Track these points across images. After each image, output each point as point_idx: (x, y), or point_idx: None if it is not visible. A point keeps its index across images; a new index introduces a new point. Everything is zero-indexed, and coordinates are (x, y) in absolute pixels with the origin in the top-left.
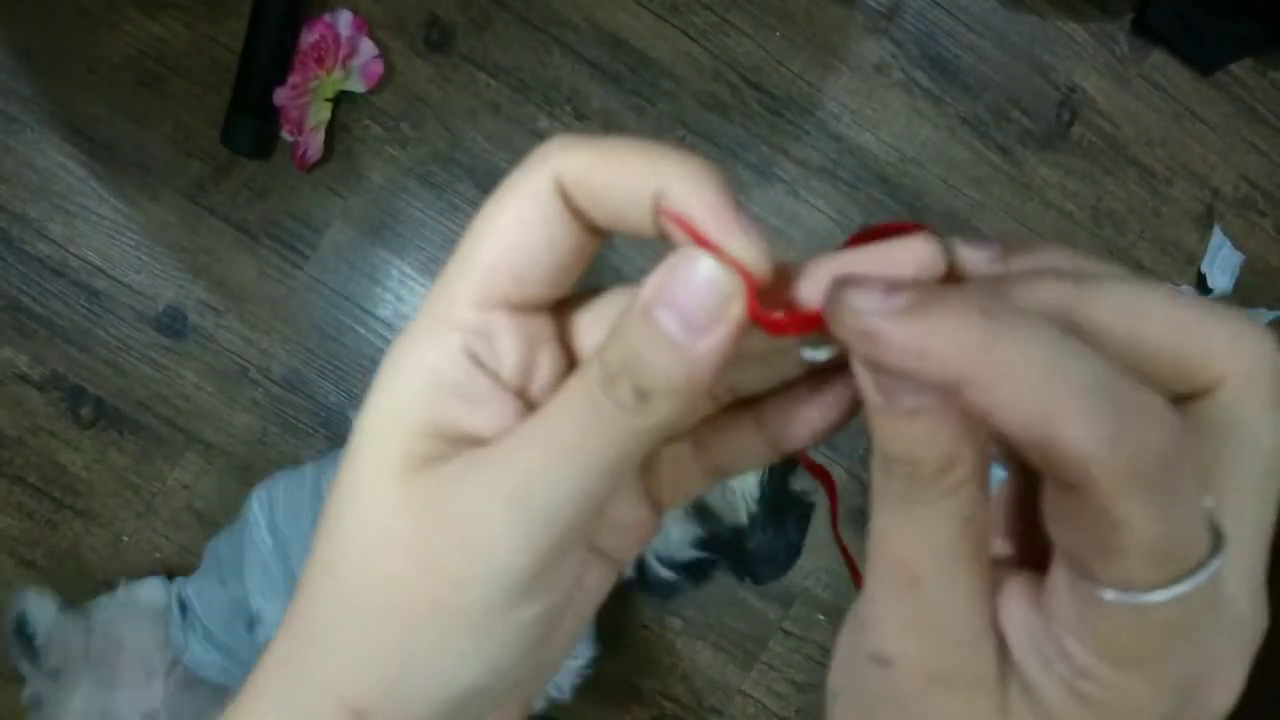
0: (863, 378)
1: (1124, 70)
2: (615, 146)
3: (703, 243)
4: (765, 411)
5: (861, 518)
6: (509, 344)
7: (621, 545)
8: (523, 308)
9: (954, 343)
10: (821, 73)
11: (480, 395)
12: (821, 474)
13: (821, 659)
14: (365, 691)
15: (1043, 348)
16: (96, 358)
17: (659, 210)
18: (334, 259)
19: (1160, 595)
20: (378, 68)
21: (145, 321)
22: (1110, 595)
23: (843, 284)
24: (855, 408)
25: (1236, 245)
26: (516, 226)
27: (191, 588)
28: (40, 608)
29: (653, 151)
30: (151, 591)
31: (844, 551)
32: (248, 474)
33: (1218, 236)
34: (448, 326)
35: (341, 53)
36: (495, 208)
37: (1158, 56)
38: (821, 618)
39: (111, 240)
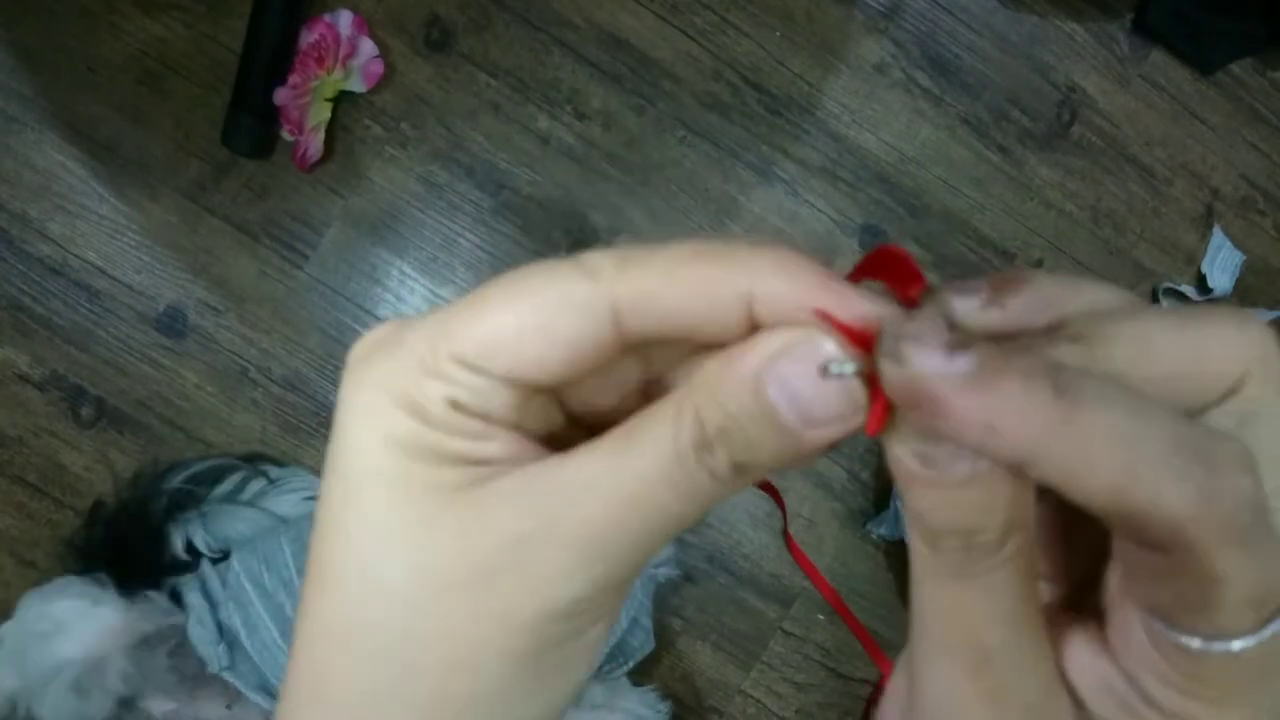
0: (899, 444)
1: (1124, 70)
2: (683, 258)
3: (857, 341)
4: None
5: (860, 517)
6: (497, 401)
7: None
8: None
9: (1028, 418)
10: (821, 73)
11: (475, 433)
12: (772, 492)
13: (821, 659)
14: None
15: (1121, 414)
16: (96, 358)
17: (815, 314)
18: (334, 259)
19: (1254, 639)
20: (378, 68)
21: (145, 321)
22: (1199, 644)
23: (897, 335)
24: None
25: (1236, 245)
26: (536, 334)
27: (239, 620)
28: None
29: (728, 255)
30: (114, 618)
31: (800, 560)
32: None
33: (1218, 236)
34: (430, 373)
35: (341, 53)
36: (519, 295)
37: (1158, 56)
38: (821, 617)
39: (111, 240)
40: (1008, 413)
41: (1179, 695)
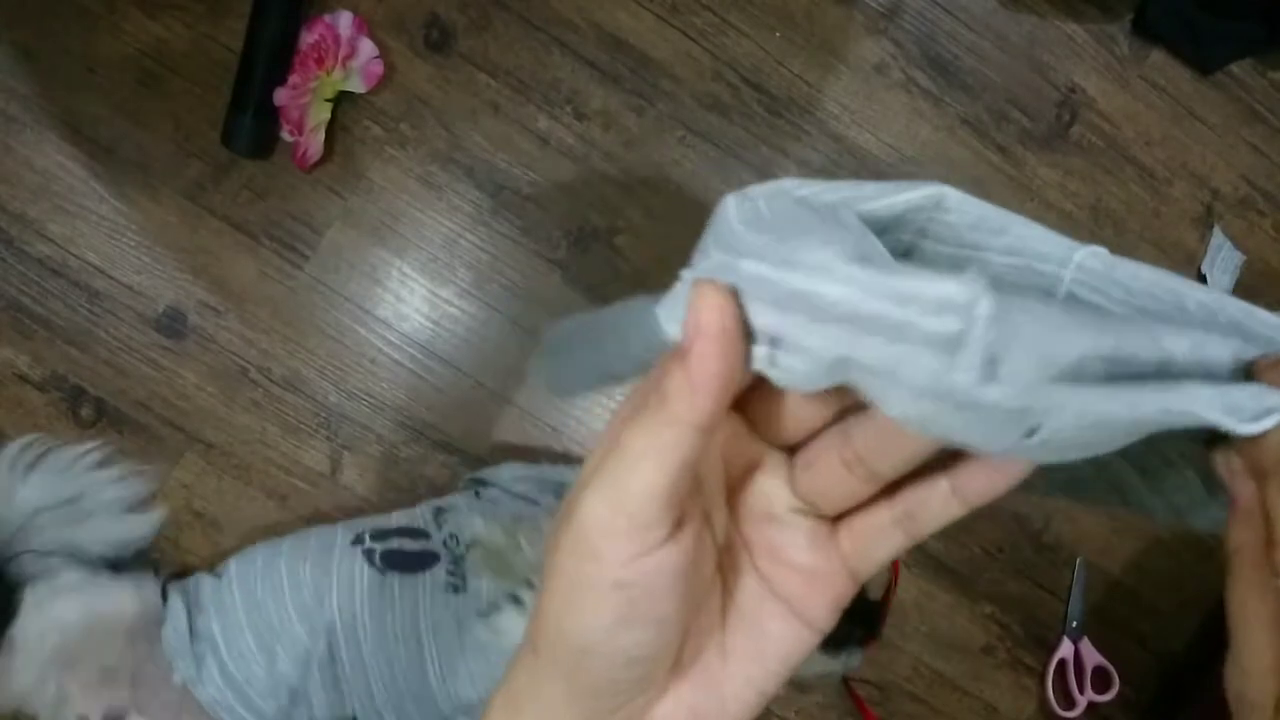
0: None
1: (1124, 70)
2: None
3: None
4: (953, 464)
5: None
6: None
7: (808, 595)
8: None
9: None
10: (821, 73)
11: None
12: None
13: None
14: (538, 634)
15: None
16: (96, 358)
17: None
18: (334, 259)
19: None
20: (378, 68)
21: (145, 321)
22: None
23: None
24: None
25: (1236, 245)
26: (672, 481)
27: (218, 626)
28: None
29: None
30: (116, 600)
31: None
32: (248, 474)
33: (1218, 236)
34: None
35: (341, 53)
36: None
37: (1158, 56)
38: None
39: (111, 240)
40: None
41: None
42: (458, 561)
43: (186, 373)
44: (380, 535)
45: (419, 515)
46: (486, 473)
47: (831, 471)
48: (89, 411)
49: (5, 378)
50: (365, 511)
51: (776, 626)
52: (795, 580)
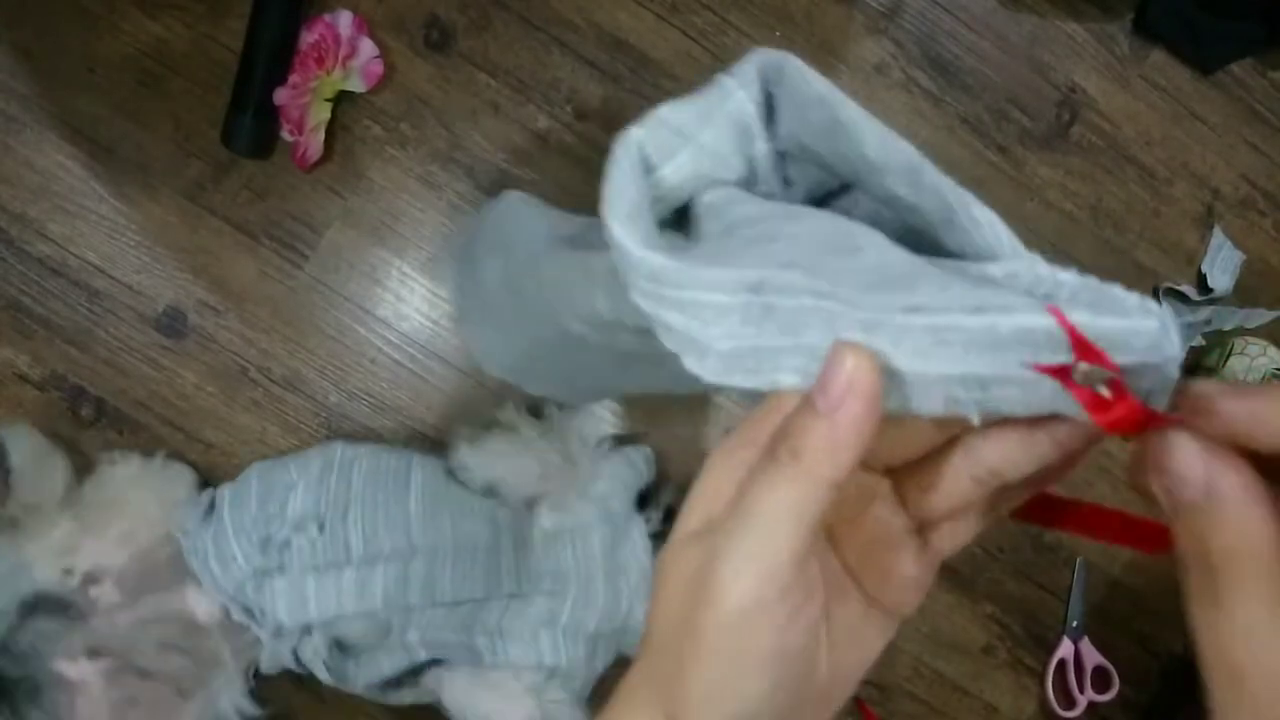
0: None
1: (1124, 70)
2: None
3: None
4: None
5: None
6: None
7: (908, 597)
8: None
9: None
10: (821, 72)
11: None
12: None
13: None
14: (680, 710)
15: None
16: (96, 358)
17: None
18: (334, 259)
19: None
20: (378, 68)
21: (145, 321)
22: None
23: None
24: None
25: (1236, 245)
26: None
27: (229, 494)
28: (18, 440)
29: None
30: (175, 477)
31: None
32: None
33: (1218, 236)
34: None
35: (341, 53)
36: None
37: (1158, 56)
38: None
39: (111, 240)
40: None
41: None
42: None
43: (186, 372)
44: None
45: None
46: None
47: (961, 489)
48: (89, 411)
49: (5, 378)
50: None
51: (875, 631)
52: (900, 591)
